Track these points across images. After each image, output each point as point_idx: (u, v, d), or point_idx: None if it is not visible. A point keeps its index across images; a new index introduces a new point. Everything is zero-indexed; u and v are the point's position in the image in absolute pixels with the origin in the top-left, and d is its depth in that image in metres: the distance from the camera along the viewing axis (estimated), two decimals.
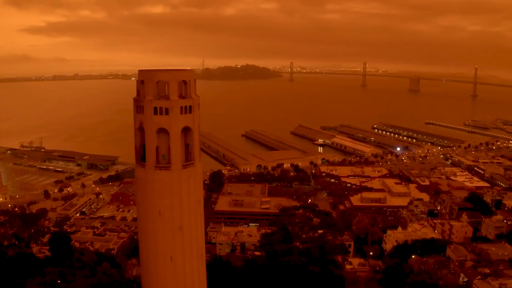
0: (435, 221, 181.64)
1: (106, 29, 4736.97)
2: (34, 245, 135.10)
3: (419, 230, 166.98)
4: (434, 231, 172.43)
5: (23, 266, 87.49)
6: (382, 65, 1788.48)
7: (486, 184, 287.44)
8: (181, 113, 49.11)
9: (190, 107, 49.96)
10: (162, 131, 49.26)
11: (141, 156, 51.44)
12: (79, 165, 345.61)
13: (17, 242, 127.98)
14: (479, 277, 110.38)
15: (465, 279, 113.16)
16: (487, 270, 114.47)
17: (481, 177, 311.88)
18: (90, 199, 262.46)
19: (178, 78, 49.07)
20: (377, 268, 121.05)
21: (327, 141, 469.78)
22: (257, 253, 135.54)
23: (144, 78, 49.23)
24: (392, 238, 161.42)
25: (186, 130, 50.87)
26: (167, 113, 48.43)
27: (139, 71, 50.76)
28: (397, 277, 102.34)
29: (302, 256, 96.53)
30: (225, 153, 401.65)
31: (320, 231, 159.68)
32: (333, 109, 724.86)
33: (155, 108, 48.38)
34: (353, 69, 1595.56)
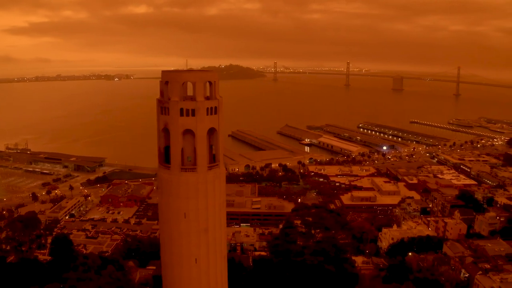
0: (428, 218, 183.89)
1: (89, 29, 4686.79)
2: (37, 249, 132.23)
3: (414, 228, 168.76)
4: (428, 229, 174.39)
5: (28, 272, 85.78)
6: (365, 65, 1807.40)
7: (473, 182, 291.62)
8: (207, 114, 48.70)
9: (216, 108, 49.62)
10: (188, 132, 48.74)
11: (164, 158, 50.87)
12: (65, 167, 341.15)
13: (19, 247, 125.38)
14: (480, 272, 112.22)
15: (466, 275, 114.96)
16: (487, 266, 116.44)
17: (468, 175, 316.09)
18: (79, 201, 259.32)
19: (204, 79, 48.68)
20: (381, 265, 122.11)
21: (314, 141, 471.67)
22: (260, 253, 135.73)
23: (169, 79, 48.62)
24: (388, 236, 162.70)
25: (211, 132, 50.49)
26: (193, 114, 47.92)
27: (163, 71, 50.21)
28: (401, 274, 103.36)
29: (317, 255, 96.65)
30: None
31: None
32: (318, 108, 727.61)
33: (181, 110, 47.82)
34: (336, 69, 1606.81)
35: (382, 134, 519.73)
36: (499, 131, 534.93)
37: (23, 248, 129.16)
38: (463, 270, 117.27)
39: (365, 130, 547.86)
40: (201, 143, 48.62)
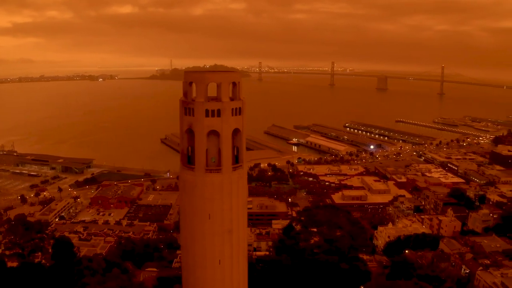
0: (422, 216, 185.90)
1: (73, 29, 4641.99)
2: (40, 253, 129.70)
3: (409, 226, 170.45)
4: (423, 226, 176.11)
5: (31, 277, 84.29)
6: (349, 64, 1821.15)
7: (461, 180, 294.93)
8: (232, 115, 48.50)
9: (240, 108, 49.44)
10: (212, 133, 48.49)
11: (187, 159, 50.49)
12: (53, 168, 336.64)
13: (20, 251, 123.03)
14: (481, 268, 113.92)
15: (467, 271, 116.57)
16: (487, 261, 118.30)
17: (455, 173, 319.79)
18: (68, 203, 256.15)
19: (229, 80, 48.50)
20: (384, 263, 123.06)
21: (301, 140, 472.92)
22: (259, 253, 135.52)
23: (194, 79, 48.33)
24: (384, 234, 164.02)
25: (235, 132, 50.25)
26: (218, 115, 47.71)
27: (186, 72, 49.89)
28: (404, 271, 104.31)
29: (330, 254, 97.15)
30: None
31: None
32: (304, 108, 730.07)
33: (207, 110, 47.53)
34: (321, 69, 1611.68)
35: (368, 134, 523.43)
36: (484, 130, 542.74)
37: (24, 252, 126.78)
38: (463, 266, 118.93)
39: (352, 130, 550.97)
40: (226, 144, 48.42)
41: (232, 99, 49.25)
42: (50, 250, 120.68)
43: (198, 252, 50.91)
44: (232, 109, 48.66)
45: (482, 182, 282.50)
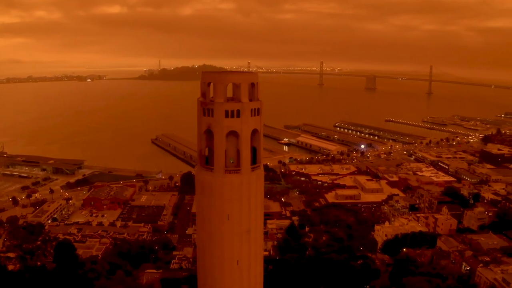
0: (418, 215, 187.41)
1: (62, 29, 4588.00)
2: (43, 257, 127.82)
3: (406, 224, 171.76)
4: (419, 225, 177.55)
5: (34, 281, 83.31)
6: (338, 64, 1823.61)
7: (452, 179, 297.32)
8: (251, 116, 48.47)
9: (258, 109, 49.45)
10: (231, 134, 48.43)
11: (205, 160, 50.32)
12: (44, 169, 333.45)
13: (23, 255, 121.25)
14: (481, 265, 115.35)
15: (467, 268, 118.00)
16: (487, 258, 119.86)
17: (446, 172, 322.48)
18: (60, 204, 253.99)
19: (248, 80, 48.42)
20: (386, 261, 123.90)
21: (292, 140, 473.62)
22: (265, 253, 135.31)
23: (213, 80, 48.17)
24: (382, 233, 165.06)
25: (253, 133, 50.20)
26: (238, 116, 47.63)
27: (205, 73, 49.76)
28: (407, 269, 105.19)
29: (339, 252, 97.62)
30: (192, 154, 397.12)
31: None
32: (294, 108, 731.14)
33: (226, 111, 47.45)
34: (309, 68, 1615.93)
35: (358, 133, 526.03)
36: (473, 129, 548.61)
37: (27, 256, 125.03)
38: (464, 263, 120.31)
39: (342, 129, 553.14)
40: (245, 144, 48.38)
41: (250, 100, 49.14)
42: (51, 252, 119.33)
43: (216, 253, 50.79)
44: (251, 109, 48.63)
45: (473, 180, 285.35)
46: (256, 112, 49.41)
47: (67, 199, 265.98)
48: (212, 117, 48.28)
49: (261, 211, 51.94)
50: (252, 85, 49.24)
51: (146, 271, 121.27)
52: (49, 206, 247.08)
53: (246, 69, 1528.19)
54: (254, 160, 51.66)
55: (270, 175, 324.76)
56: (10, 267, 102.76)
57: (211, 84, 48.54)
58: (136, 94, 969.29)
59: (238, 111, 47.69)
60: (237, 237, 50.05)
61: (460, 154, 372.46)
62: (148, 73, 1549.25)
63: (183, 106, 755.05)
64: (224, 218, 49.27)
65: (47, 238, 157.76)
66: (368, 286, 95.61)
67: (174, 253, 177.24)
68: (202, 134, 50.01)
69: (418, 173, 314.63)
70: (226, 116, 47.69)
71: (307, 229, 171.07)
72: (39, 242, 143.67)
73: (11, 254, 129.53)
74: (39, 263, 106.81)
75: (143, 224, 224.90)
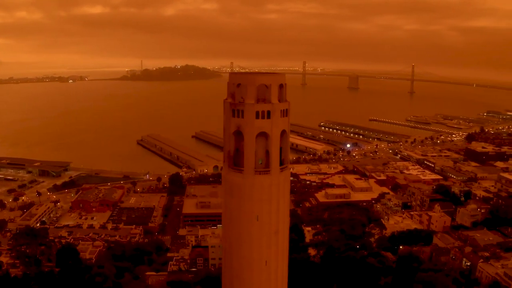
0: (411, 212, 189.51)
1: (43, 30, 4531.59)
2: (48, 262, 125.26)
3: (401, 222, 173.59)
4: (413, 222, 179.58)
5: (44, 286, 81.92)
6: (321, 64, 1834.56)
7: (439, 177, 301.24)
8: (281, 116, 48.52)
9: (287, 110, 49.55)
10: (260, 135, 48.36)
11: (233, 161, 50.10)
12: (30, 172, 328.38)
13: (27, 259, 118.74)
14: (482, 260, 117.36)
15: (468, 263, 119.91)
16: (486, 254, 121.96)
17: (432, 170, 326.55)
18: (48, 207, 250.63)
19: (278, 82, 48.47)
20: (389, 258, 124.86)
21: None
22: None
23: (243, 81, 48.00)
24: (378, 231, 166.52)
25: (281, 134, 50.21)
26: (268, 117, 47.59)
27: (233, 74, 49.66)
28: (410, 266, 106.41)
29: (358, 250, 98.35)
30: (179, 155, 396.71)
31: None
32: None
33: (257, 112, 47.38)
34: (292, 68, 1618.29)
35: (343, 132, 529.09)
36: (456, 127, 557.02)
37: (31, 261, 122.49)
38: (464, 259, 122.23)
39: (327, 129, 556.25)
40: (275, 145, 48.39)
41: (279, 101, 49.15)
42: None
43: (245, 254, 50.65)
44: (281, 110, 48.68)
45: (459, 178, 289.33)
46: (285, 113, 49.51)
47: (55, 202, 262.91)
48: (242, 118, 48.11)
49: (288, 211, 52.00)
50: (281, 86, 49.31)
51: (145, 273, 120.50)
52: (37, 209, 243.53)
53: (229, 69, 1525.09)
54: (281, 160, 51.60)
55: None
56: (12, 271, 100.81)
57: (240, 85, 48.24)
58: (119, 95, 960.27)
59: (269, 112, 47.68)
60: (266, 238, 50.02)
61: (445, 153, 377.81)
62: (130, 74, 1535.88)
63: (167, 106, 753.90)
64: (253, 219, 49.19)
65: (52, 243, 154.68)
66: (383, 282, 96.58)
67: (169, 254, 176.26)
68: (231, 135, 49.78)
69: (405, 171, 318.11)
70: (257, 117, 47.60)
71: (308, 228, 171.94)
72: (43, 247, 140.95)
73: (16, 261, 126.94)
74: (46, 268, 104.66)
75: (134, 226, 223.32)
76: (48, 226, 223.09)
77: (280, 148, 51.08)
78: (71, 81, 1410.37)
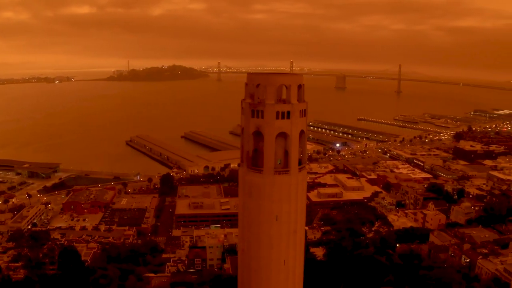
0: (406, 211, 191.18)
1: (29, 30, 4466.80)
2: (51, 265, 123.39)
3: (396, 220, 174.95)
4: (408, 221, 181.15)
5: None
6: (308, 64, 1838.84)
7: (429, 175, 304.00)
8: (300, 117, 48.77)
9: (305, 110, 49.82)
10: (279, 135, 48.54)
11: (252, 162, 50.18)
12: (19, 174, 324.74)
13: (30, 264, 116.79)
14: (481, 257, 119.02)
15: (467, 260, 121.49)
16: (485, 251, 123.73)
17: (422, 169, 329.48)
18: (39, 209, 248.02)
19: (297, 82, 48.66)
20: (385, 255, 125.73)
21: None
22: None
23: (263, 82, 48.09)
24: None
25: (300, 134, 50.43)
26: (288, 117, 47.79)
27: (252, 74, 49.65)
28: (411, 263, 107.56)
29: (368, 248, 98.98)
30: (169, 155, 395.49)
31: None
32: None
33: (277, 112, 47.56)
34: (279, 68, 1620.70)
35: (333, 132, 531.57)
36: (444, 126, 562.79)
37: (33, 264, 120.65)
38: (463, 256, 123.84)
39: (316, 128, 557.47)
40: (294, 145, 48.62)
41: (298, 101, 49.36)
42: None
43: (264, 254, 50.79)
44: (300, 110, 48.92)
45: (449, 176, 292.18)
46: (303, 113, 49.80)
47: (46, 204, 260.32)
48: (262, 118, 48.20)
49: (304, 211, 52.26)
50: (299, 86, 49.52)
51: (145, 275, 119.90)
52: (28, 211, 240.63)
53: (216, 69, 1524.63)
54: (299, 160, 51.80)
55: None
56: (12, 273, 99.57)
57: (260, 86, 48.33)
58: (106, 95, 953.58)
59: (288, 112, 47.88)
60: (285, 237, 50.24)
61: (434, 151, 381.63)
62: (117, 74, 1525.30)
63: (155, 107, 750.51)
64: (272, 219, 49.36)
65: (55, 246, 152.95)
66: (388, 279, 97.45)
67: (164, 255, 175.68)
68: (250, 135, 49.84)
69: (395, 170, 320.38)
70: (277, 117, 47.76)
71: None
72: (45, 250, 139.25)
73: (14, 263, 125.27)
74: (51, 272, 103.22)
75: (127, 227, 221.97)
76: (40, 228, 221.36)
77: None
78: (57, 81, 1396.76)
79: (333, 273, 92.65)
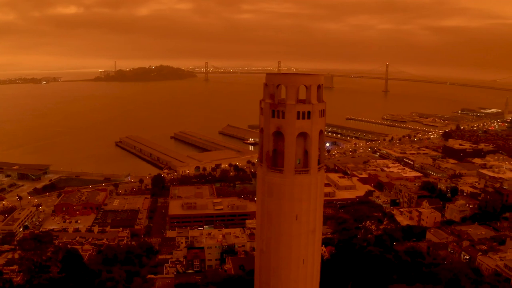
0: (401, 209, 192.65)
1: (16, 31, 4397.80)
2: (55, 268, 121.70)
3: None
4: (403, 219, 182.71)
5: None
6: (295, 63, 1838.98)
7: (419, 174, 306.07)
8: (319, 117, 49.15)
9: (324, 110, 50.22)
10: (299, 135, 48.88)
11: (272, 162, 50.40)
12: (8, 175, 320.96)
13: (33, 267, 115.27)
14: (480, 253, 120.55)
15: (467, 257, 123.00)
16: (484, 247, 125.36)
17: (412, 168, 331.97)
18: (31, 211, 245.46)
19: (317, 82, 49.03)
20: (392, 253, 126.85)
21: (258, 140, 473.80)
22: None
23: (283, 82, 48.45)
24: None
25: (319, 134, 50.82)
26: (308, 117, 48.13)
27: (272, 75, 49.93)
28: (415, 260, 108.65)
29: (376, 246, 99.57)
30: (160, 156, 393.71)
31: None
32: (255, 107, 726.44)
33: (298, 113, 47.87)
34: (266, 68, 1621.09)
35: None
36: (432, 125, 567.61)
37: (36, 269, 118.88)
38: (463, 253, 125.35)
39: None
40: (314, 145, 49.00)
41: (317, 101, 49.73)
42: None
43: (283, 253, 51.13)
44: (319, 111, 49.32)
45: (439, 175, 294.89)
46: (323, 113, 50.26)
47: (37, 206, 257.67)
48: (282, 118, 48.54)
49: (322, 210, 52.70)
50: (319, 87, 49.91)
51: (147, 276, 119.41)
52: (19, 213, 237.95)
53: (203, 69, 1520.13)
54: (318, 160, 52.21)
55: (241, 175, 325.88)
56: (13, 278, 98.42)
57: (280, 86, 48.63)
58: (93, 96, 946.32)
59: (309, 112, 48.25)
60: (304, 236, 50.64)
61: (423, 150, 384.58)
62: (104, 75, 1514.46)
63: (143, 107, 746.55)
64: (292, 218, 49.73)
65: (58, 248, 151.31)
66: (395, 277, 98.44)
67: (160, 257, 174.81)
68: (270, 136, 50.09)
69: (386, 169, 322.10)
70: (298, 117, 48.07)
71: None
72: (49, 253, 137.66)
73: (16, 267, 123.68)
74: (57, 275, 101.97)
75: (121, 228, 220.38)
76: (33, 231, 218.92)
77: None
78: (44, 82, 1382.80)
79: (342, 271, 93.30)
